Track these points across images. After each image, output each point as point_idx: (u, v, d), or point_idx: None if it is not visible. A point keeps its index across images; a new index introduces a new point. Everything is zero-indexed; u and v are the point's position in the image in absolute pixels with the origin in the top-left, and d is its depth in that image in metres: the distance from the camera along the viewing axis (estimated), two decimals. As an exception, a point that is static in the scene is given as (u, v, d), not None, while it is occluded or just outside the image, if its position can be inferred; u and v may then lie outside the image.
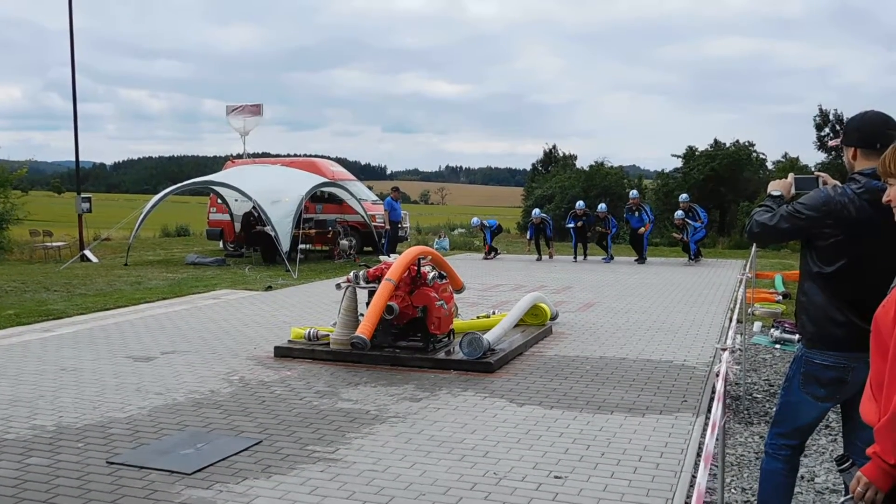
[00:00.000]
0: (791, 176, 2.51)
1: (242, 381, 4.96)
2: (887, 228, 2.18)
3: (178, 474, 3.30)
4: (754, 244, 8.51)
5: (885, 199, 1.68)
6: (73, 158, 16.04)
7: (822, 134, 26.04)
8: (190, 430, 3.92)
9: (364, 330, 5.13)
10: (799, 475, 3.40)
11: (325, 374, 5.17)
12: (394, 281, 5.35)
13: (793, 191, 2.48)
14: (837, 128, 26.81)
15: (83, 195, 15.30)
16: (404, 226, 15.63)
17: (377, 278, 5.68)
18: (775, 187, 2.50)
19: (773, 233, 2.38)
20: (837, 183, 2.44)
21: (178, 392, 4.68)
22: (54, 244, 15.51)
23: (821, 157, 24.89)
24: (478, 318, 6.71)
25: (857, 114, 2.34)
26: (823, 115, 26.51)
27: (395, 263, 5.50)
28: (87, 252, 14.28)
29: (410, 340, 5.63)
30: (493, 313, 6.82)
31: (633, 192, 14.18)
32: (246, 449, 3.62)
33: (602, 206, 14.12)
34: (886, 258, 2.23)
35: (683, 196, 14.39)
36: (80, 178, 16.79)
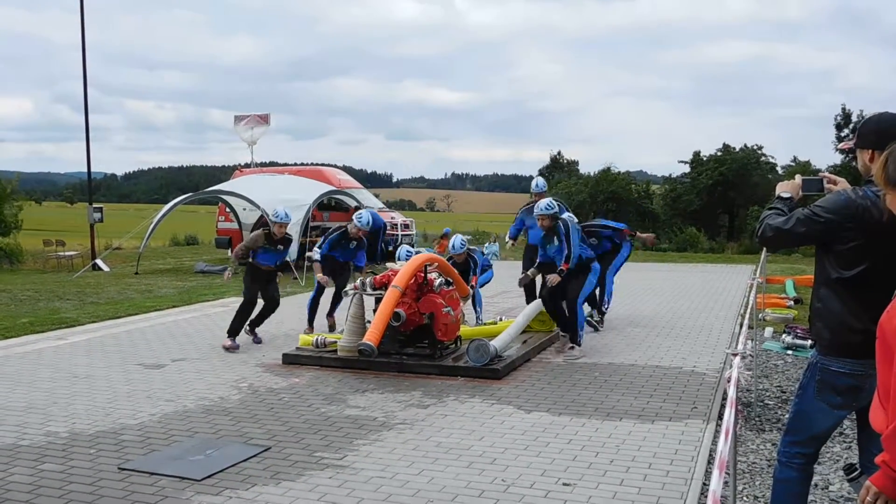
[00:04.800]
0: (798, 177, 2.49)
1: (251, 388, 4.98)
2: None
3: (189, 480, 3.32)
4: (765, 248, 8.42)
5: None
6: (85, 169, 16.27)
7: (842, 135, 25.72)
8: (200, 437, 3.94)
9: (371, 337, 5.14)
10: (812, 483, 3.36)
11: (332, 381, 5.18)
12: (400, 288, 5.36)
13: (800, 193, 2.45)
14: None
15: (95, 205, 15.50)
16: (410, 233, 15.66)
17: (384, 285, 5.70)
18: (784, 189, 2.45)
19: (788, 236, 2.31)
20: (844, 181, 2.41)
21: (188, 399, 4.71)
22: (67, 253, 15.70)
23: (838, 158, 24.50)
24: (484, 324, 6.70)
25: (872, 116, 2.31)
26: (846, 115, 26.15)
27: (402, 270, 5.52)
28: (98, 261, 14.43)
29: (417, 347, 5.64)
30: (500, 320, 6.81)
31: (537, 184, 6.91)
32: (255, 455, 3.64)
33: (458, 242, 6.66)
34: None
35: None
36: (92, 189, 17.00)
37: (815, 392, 2.35)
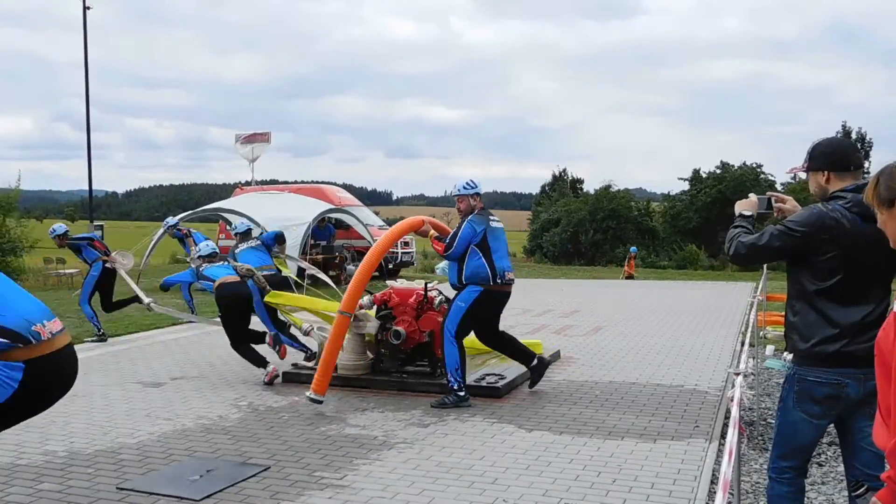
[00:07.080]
0: (753, 196, 2.60)
1: (251, 407, 4.96)
2: (878, 241, 2.27)
3: (188, 500, 3.29)
4: (764, 266, 8.46)
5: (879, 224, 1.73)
6: (86, 187, 16.38)
7: None
8: (199, 456, 3.91)
9: (316, 387, 4.65)
10: None
11: (332, 399, 5.15)
12: (348, 313, 4.86)
13: (757, 210, 2.57)
14: (859, 146, 26.80)
15: (96, 223, 15.57)
16: (410, 251, 15.66)
17: (384, 303, 5.68)
18: (745, 207, 2.55)
19: (762, 252, 2.40)
20: (791, 199, 2.54)
21: (187, 418, 4.68)
22: (67, 271, 15.69)
23: None
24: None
25: (821, 141, 2.45)
26: (846, 132, 26.39)
27: (349, 288, 5.01)
28: (98, 278, 14.42)
29: (418, 365, 5.62)
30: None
31: (456, 185, 5.12)
32: (254, 475, 3.61)
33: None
34: (876, 271, 2.30)
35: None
36: (93, 206, 17.09)
37: (793, 403, 2.41)
